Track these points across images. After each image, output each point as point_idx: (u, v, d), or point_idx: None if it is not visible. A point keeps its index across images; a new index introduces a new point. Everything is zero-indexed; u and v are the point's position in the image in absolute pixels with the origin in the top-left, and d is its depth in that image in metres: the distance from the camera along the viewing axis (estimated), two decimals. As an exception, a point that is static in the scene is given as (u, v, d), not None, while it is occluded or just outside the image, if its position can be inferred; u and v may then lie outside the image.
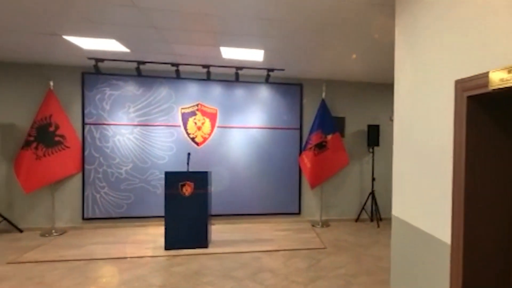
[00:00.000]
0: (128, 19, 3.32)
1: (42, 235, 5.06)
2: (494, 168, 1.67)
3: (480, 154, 1.66)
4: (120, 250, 4.42)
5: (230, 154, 5.93)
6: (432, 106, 1.98)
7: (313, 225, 5.91)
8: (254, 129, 6.01)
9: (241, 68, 5.20)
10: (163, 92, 5.71)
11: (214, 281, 3.51)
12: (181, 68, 5.15)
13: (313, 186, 5.91)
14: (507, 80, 1.38)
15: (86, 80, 5.47)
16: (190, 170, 4.79)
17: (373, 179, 6.17)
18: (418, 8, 2.18)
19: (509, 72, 1.37)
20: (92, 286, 3.36)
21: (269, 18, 3.22)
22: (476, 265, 1.65)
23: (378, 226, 5.90)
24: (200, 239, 4.51)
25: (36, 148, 5.02)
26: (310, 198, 6.20)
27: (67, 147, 5.27)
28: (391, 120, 6.41)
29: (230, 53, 4.52)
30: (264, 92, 6.04)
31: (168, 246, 4.42)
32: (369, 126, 6.10)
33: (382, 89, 6.38)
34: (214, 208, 5.55)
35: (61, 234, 5.14)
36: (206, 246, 4.53)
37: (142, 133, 5.66)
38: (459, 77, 1.72)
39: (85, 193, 5.48)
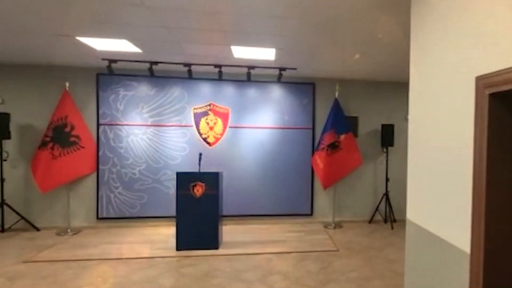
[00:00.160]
0: (138, 19, 3.32)
1: (58, 234, 5.16)
2: (518, 172, 1.59)
3: (503, 157, 1.56)
4: (132, 250, 4.47)
5: (242, 154, 5.92)
6: (450, 105, 1.89)
7: (325, 226, 5.85)
8: (266, 129, 5.98)
9: (253, 67, 5.18)
10: (175, 92, 5.74)
11: (224, 283, 3.51)
12: (193, 68, 5.16)
13: (325, 186, 5.85)
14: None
15: (101, 81, 5.55)
16: (202, 170, 4.79)
17: (387, 180, 6.05)
18: (435, 4, 2.10)
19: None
20: (103, 286, 3.40)
21: (280, 16, 3.17)
22: (498, 276, 1.58)
23: (392, 228, 5.79)
24: (211, 240, 4.52)
25: (52, 148, 5.12)
26: (322, 199, 6.14)
27: (82, 147, 5.36)
28: (407, 119, 6.29)
29: (242, 52, 4.50)
30: (276, 92, 6.00)
31: (180, 246, 4.44)
32: (383, 126, 5.99)
33: (397, 87, 6.25)
34: (226, 209, 5.55)
35: (76, 233, 5.24)
36: (217, 247, 4.53)
37: (155, 133, 5.70)
38: (480, 73, 1.61)
39: (100, 193, 5.56)
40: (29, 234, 5.14)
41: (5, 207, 5.09)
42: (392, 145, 5.98)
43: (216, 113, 5.86)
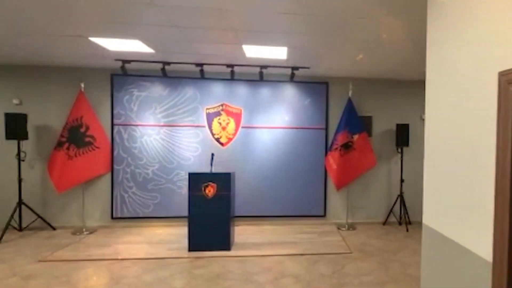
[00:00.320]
0: (149, 18, 3.33)
1: (74, 233, 5.25)
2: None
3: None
4: (145, 251, 4.51)
5: (254, 154, 5.91)
6: (470, 103, 1.80)
7: (338, 228, 5.78)
8: (279, 129, 5.95)
9: (265, 67, 5.15)
10: (188, 92, 5.76)
11: (235, 286, 3.50)
12: (205, 68, 5.16)
13: (339, 187, 5.78)
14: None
15: (115, 81, 5.62)
16: (215, 171, 4.79)
17: (402, 181, 5.93)
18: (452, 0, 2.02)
19: None
20: (115, 287, 3.43)
21: (292, 12, 3.12)
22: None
23: (407, 230, 5.67)
24: (222, 242, 4.51)
25: (68, 148, 5.21)
26: (336, 200, 6.07)
27: (97, 147, 5.44)
28: (422, 119, 6.16)
29: (253, 52, 4.47)
30: (289, 91, 5.96)
31: (192, 247, 4.45)
32: (398, 126, 5.87)
33: (412, 86, 6.13)
34: (238, 209, 5.54)
35: (91, 232, 5.32)
36: (228, 249, 4.52)
37: (168, 133, 5.74)
38: (503, 68, 1.52)
39: (114, 193, 5.64)
40: (46, 233, 5.25)
41: (23, 206, 5.20)
42: (407, 145, 5.86)
43: (229, 113, 5.86)
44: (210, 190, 4.51)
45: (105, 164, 5.58)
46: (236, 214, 5.36)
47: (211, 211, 4.47)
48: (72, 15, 3.27)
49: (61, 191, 5.21)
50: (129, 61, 4.93)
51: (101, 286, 3.45)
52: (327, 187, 6.05)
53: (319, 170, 6.02)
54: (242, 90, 5.87)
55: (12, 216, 4.98)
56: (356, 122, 5.77)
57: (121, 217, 5.65)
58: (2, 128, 5.00)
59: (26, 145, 5.26)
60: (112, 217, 5.64)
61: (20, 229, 5.23)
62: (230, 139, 5.88)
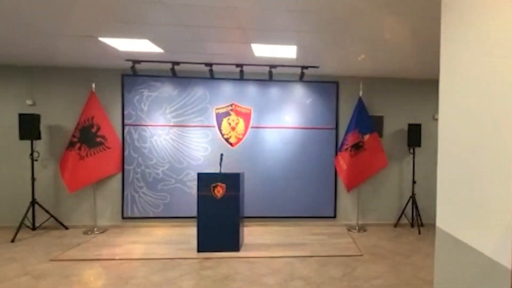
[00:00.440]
0: (157, 16, 3.32)
1: (85, 232, 5.32)
2: None
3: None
4: (154, 251, 4.53)
5: (264, 154, 5.88)
6: (487, 104, 1.72)
7: (349, 230, 5.72)
8: (289, 129, 5.91)
9: (274, 66, 5.11)
10: (198, 92, 5.77)
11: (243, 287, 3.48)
12: (214, 68, 5.15)
13: (349, 188, 5.72)
14: None
15: (126, 82, 5.66)
16: (224, 171, 4.78)
17: (414, 182, 5.83)
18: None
19: None
20: (123, 287, 3.45)
21: (300, 10, 3.06)
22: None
23: (419, 233, 5.57)
24: (231, 242, 4.49)
25: (80, 148, 5.28)
26: (346, 201, 6.01)
27: (108, 147, 5.49)
28: (435, 118, 6.05)
29: (262, 51, 4.44)
30: (298, 91, 5.92)
31: (201, 248, 4.45)
32: (410, 125, 5.76)
33: (425, 85, 6.01)
34: (247, 209, 5.52)
35: (102, 232, 5.38)
36: (237, 250, 4.50)
37: (178, 134, 5.76)
38: None
39: (125, 193, 5.69)
40: (58, 232, 5.33)
41: (36, 205, 5.29)
42: (419, 145, 5.75)
43: (238, 113, 5.85)
44: (219, 191, 4.50)
45: (116, 164, 5.63)
46: (245, 215, 5.35)
47: (220, 212, 4.46)
48: (81, 14, 3.28)
49: (73, 190, 5.28)
50: (139, 61, 4.96)
51: (110, 286, 3.48)
52: (337, 188, 5.99)
53: (329, 170, 5.97)
54: (251, 90, 5.85)
55: (25, 215, 5.07)
56: (366, 122, 5.69)
57: (131, 217, 5.70)
58: (16, 128, 5.08)
59: (39, 145, 5.34)
60: (122, 217, 5.69)
61: (34, 228, 5.32)
62: (239, 139, 5.87)
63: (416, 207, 5.79)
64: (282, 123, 5.90)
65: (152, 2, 2.98)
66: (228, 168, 5.51)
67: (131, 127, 5.71)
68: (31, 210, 5.24)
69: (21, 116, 5.05)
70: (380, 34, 3.68)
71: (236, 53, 4.62)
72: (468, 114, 1.92)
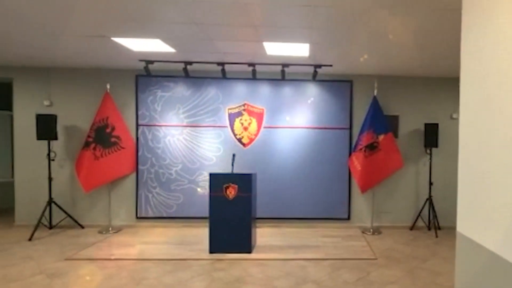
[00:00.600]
0: (167, 15, 3.30)
1: (100, 232, 5.40)
2: None
3: None
4: (167, 251, 4.54)
5: (276, 155, 5.84)
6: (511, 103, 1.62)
7: (363, 232, 5.62)
8: (302, 129, 5.85)
9: (287, 65, 5.04)
10: (210, 92, 5.77)
11: (254, 291, 3.46)
12: (226, 67, 5.10)
13: (363, 190, 5.62)
14: None
15: (140, 82, 5.71)
16: (237, 171, 4.75)
17: (431, 184, 5.67)
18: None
19: None
20: (135, 288, 3.48)
21: (312, 5, 2.97)
22: None
23: (436, 236, 5.41)
24: (243, 244, 4.46)
25: (95, 148, 5.35)
26: (360, 202, 5.90)
27: (122, 147, 5.55)
28: (453, 118, 5.88)
29: (275, 49, 4.39)
30: (311, 90, 5.85)
31: (213, 249, 4.43)
32: (427, 125, 5.61)
33: (442, 83, 5.84)
34: (260, 210, 5.47)
35: (116, 232, 5.45)
36: (249, 251, 4.47)
37: (191, 134, 5.78)
38: None
39: (139, 193, 5.75)
40: (74, 231, 5.43)
41: (53, 205, 5.39)
42: (436, 146, 5.59)
43: (251, 113, 5.83)
44: (231, 191, 4.47)
45: (130, 164, 5.69)
46: (258, 216, 5.31)
47: (232, 213, 4.43)
48: (93, 14, 3.29)
49: (88, 190, 5.37)
50: (152, 62, 4.97)
51: (122, 286, 3.50)
52: (352, 189, 5.89)
53: (343, 171, 5.88)
54: (264, 89, 5.82)
55: (42, 214, 5.18)
56: (381, 121, 5.57)
57: (145, 216, 5.76)
58: (34, 129, 5.19)
59: (56, 145, 5.44)
60: (136, 217, 5.75)
61: (50, 227, 5.43)
62: (252, 140, 5.84)
63: (433, 210, 5.63)
64: (295, 123, 5.84)
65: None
66: (240, 168, 5.47)
67: (144, 127, 5.76)
68: (48, 209, 5.34)
69: (39, 117, 5.15)
70: (397, 30, 3.55)
71: (248, 52, 4.59)
72: (493, 111, 1.81)
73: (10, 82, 5.69)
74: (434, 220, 5.61)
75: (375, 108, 5.59)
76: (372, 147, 5.51)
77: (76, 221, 5.55)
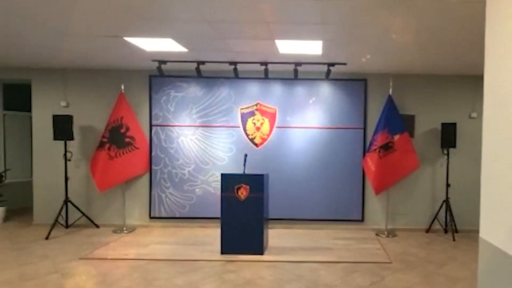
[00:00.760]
0: (178, 13, 3.27)
1: (114, 231, 5.48)
2: None
3: None
4: (179, 252, 4.56)
5: (289, 155, 5.79)
6: None
7: (377, 234, 5.52)
8: (315, 129, 5.78)
9: (299, 63, 4.98)
10: (223, 92, 5.77)
11: (265, 294, 3.43)
12: (239, 67, 5.06)
13: (378, 191, 5.51)
14: None
15: (153, 82, 5.76)
16: (249, 172, 4.72)
17: (448, 185, 5.49)
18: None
19: None
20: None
21: None
22: None
23: (454, 240, 5.23)
24: (255, 245, 4.43)
25: (109, 149, 5.42)
26: (374, 204, 5.80)
27: (136, 148, 5.61)
28: (471, 117, 5.70)
29: (287, 47, 4.33)
30: (325, 90, 5.78)
31: (224, 250, 4.42)
32: (444, 125, 5.44)
33: (460, 81, 5.67)
34: (272, 211, 5.44)
35: (130, 231, 5.52)
36: (261, 253, 4.43)
37: (204, 134, 5.79)
38: None
39: (152, 193, 5.80)
40: (89, 230, 5.52)
41: (69, 204, 5.50)
42: (454, 146, 5.41)
43: (263, 113, 5.79)
44: (243, 192, 4.44)
45: (144, 165, 5.74)
46: (270, 217, 5.27)
47: (244, 214, 4.41)
48: (105, 13, 3.30)
49: (102, 190, 5.44)
50: (164, 62, 4.99)
51: (135, 286, 3.52)
52: (365, 190, 5.79)
53: (357, 172, 5.78)
54: (276, 89, 5.77)
55: (59, 213, 5.28)
56: (397, 121, 5.45)
57: (158, 217, 5.80)
58: (51, 129, 5.28)
59: (72, 145, 5.53)
60: (150, 217, 5.81)
61: (67, 226, 5.54)
62: (264, 140, 5.81)
63: (450, 212, 5.47)
64: (308, 123, 5.78)
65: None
66: (252, 169, 5.43)
67: (158, 127, 5.80)
68: (64, 208, 5.45)
69: (55, 117, 5.25)
70: (413, 26, 3.42)
71: (260, 51, 4.55)
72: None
73: (29, 83, 5.82)
74: (451, 223, 5.45)
75: (390, 107, 5.47)
76: (387, 148, 5.39)
77: (91, 221, 5.65)
